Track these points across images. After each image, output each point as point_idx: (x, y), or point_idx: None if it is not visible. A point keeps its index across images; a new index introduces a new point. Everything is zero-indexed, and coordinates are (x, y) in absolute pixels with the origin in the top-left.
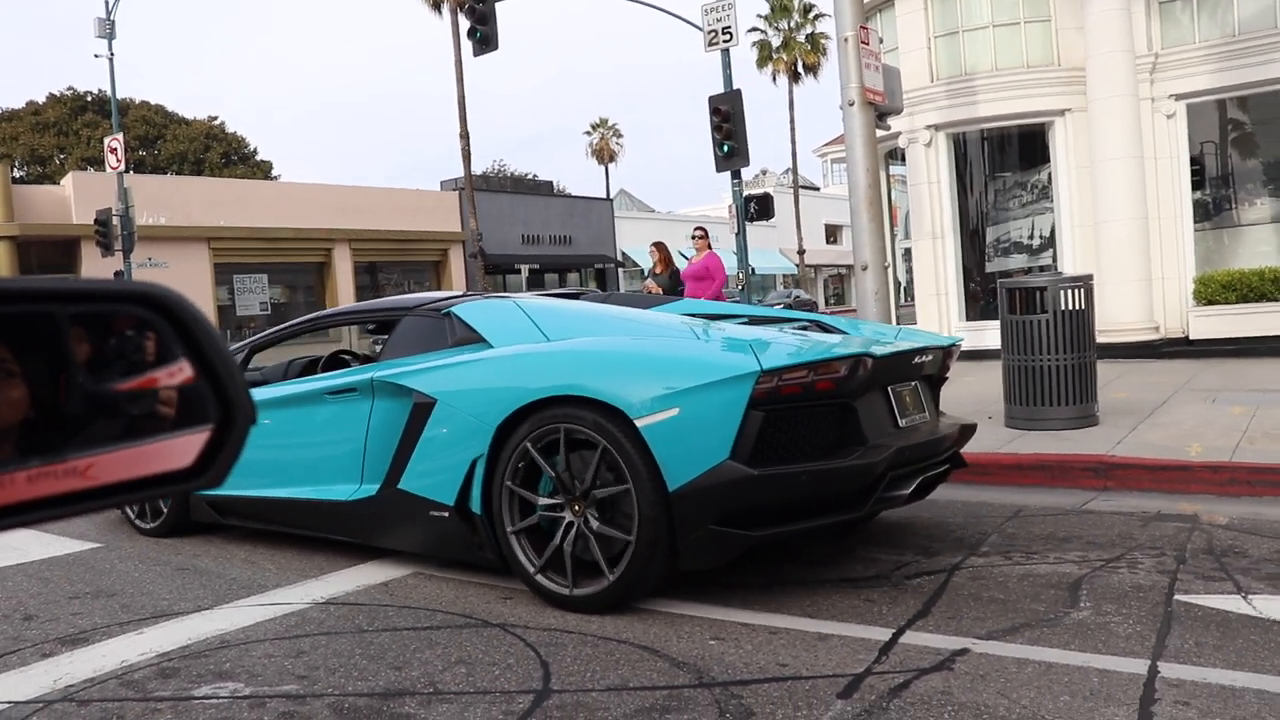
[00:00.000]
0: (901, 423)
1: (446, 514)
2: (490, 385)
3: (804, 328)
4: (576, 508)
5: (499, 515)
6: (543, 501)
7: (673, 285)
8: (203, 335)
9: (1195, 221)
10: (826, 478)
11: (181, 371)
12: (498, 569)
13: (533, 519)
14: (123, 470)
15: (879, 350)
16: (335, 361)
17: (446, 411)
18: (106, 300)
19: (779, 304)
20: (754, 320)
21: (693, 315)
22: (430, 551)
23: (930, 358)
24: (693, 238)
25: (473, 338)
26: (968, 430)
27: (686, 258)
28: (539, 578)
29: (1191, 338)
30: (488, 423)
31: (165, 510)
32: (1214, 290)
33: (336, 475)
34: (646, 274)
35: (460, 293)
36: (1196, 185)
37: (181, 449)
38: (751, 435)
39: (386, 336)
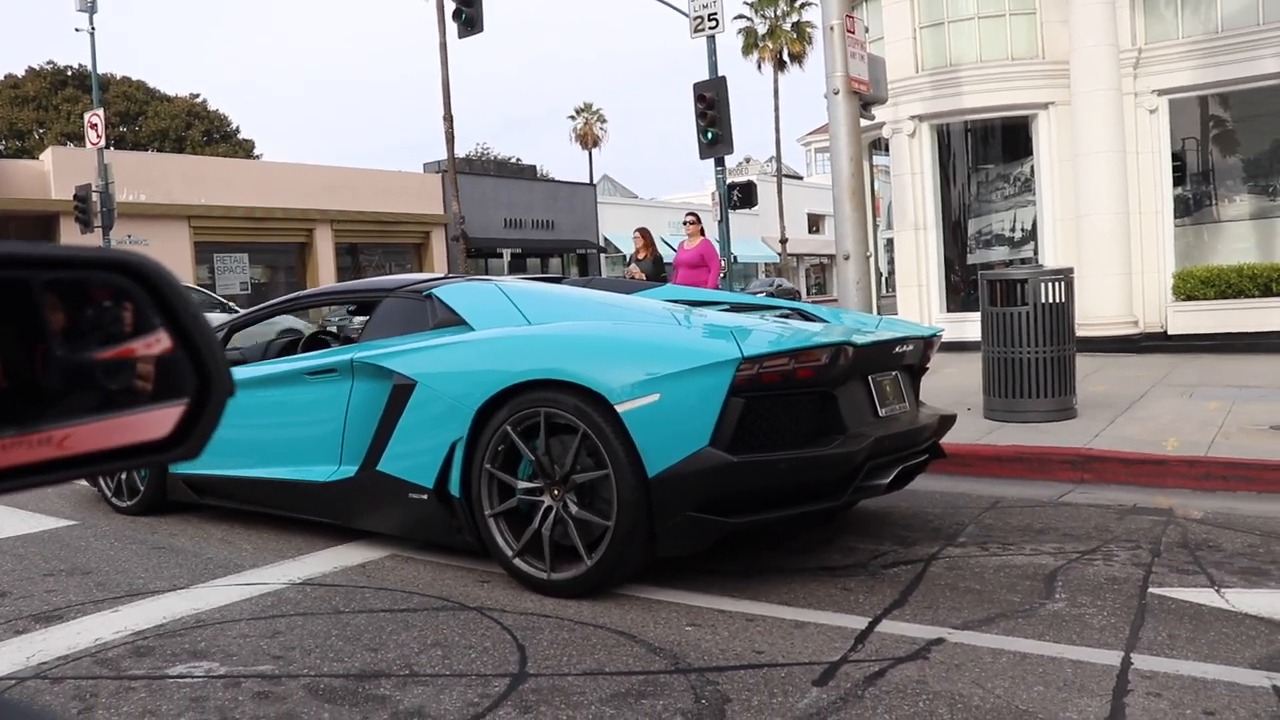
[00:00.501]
0: (881, 412)
1: (425, 496)
2: (471, 368)
3: (786, 316)
4: (556, 492)
5: (478, 498)
6: (522, 485)
7: (656, 271)
8: (180, 305)
9: (1176, 217)
10: (805, 466)
11: (159, 342)
12: (476, 552)
13: (511, 502)
14: (99, 440)
15: (860, 339)
16: (315, 342)
17: (426, 394)
18: (83, 267)
19: (761, 293)
20: (737, 308)
21: (675, 301)
22: (409, 534)
23: (911, 348)
24: (685, 223)
25: (454, 320)
26: (947, 421)
27: (670, 245)
28: (517, 561)
29: (1170, 333)
30: (468, 405)
31: (141, 488)
32: (1193, 286)
33: (315, 456)
34: (629, 259)
35: (442, 275)
36: (1178, 181)
37: (158, 420)
38: (731, 422)
39: (367, 318)
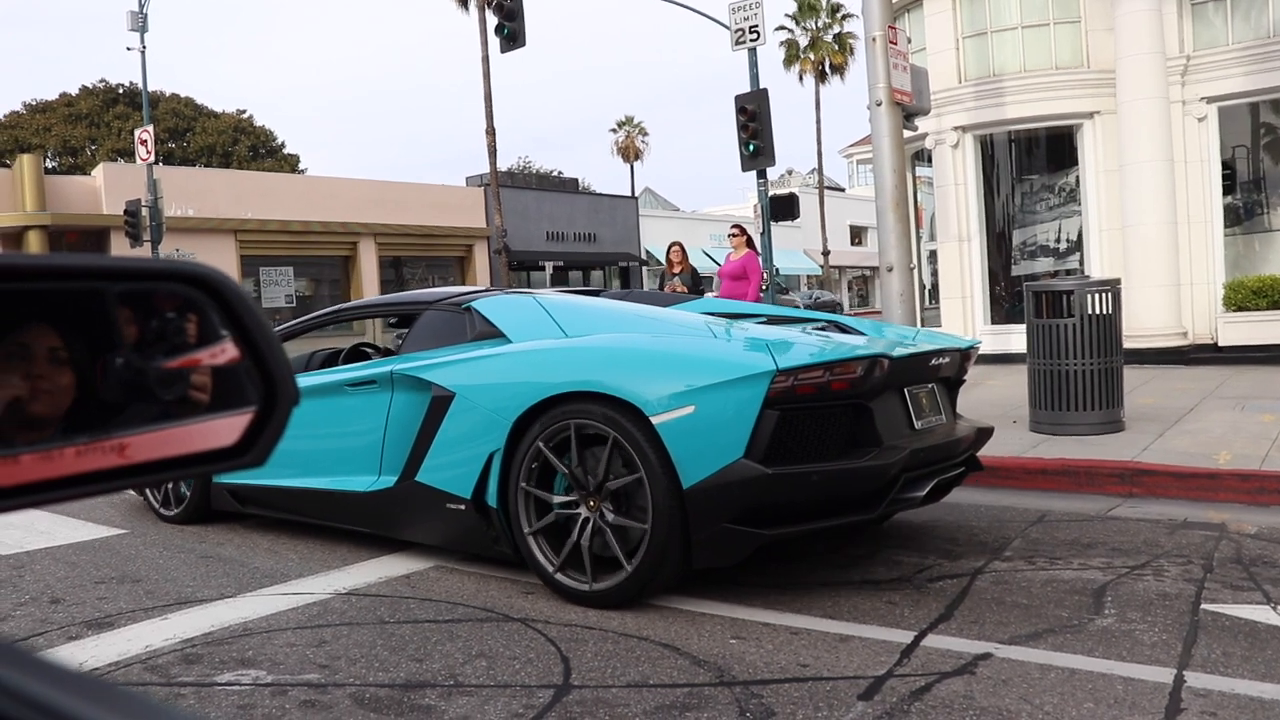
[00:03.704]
0: (917, 424)
1: (463, 507)
2: (508, 380)
3: (822, 328)
4: (592, 503)
5: (515, 514)
6: (558, 499)
7: (694, 284)
8: (248, 315)
9: (1225, 226)
10: (840, 478)
11: (225, 351)
12: (513, 563)
13: (550, 518)
14: (168, 447)
15: (895, 351)
16: (356, 354)
17: (464, 405)
18: (154, 279)
19: (801, 305)
20: (773, 320)
21: (712, 314)
22: (447, 544)
23: (947, 360)
24: (730, 236)
25: (492, 332)
26: (984, 433)
27: (712, 258)
28: (559, 576)
29: (1220, 344)
30: (505, 417)
31: (186, 497)
32: (1244, 296)
33: (355, 466)
34: (664, 274)
35: (481, 288)
36: (1227, 189)
37: (226, 428)
38: (766, 434)
39: (407, 330)
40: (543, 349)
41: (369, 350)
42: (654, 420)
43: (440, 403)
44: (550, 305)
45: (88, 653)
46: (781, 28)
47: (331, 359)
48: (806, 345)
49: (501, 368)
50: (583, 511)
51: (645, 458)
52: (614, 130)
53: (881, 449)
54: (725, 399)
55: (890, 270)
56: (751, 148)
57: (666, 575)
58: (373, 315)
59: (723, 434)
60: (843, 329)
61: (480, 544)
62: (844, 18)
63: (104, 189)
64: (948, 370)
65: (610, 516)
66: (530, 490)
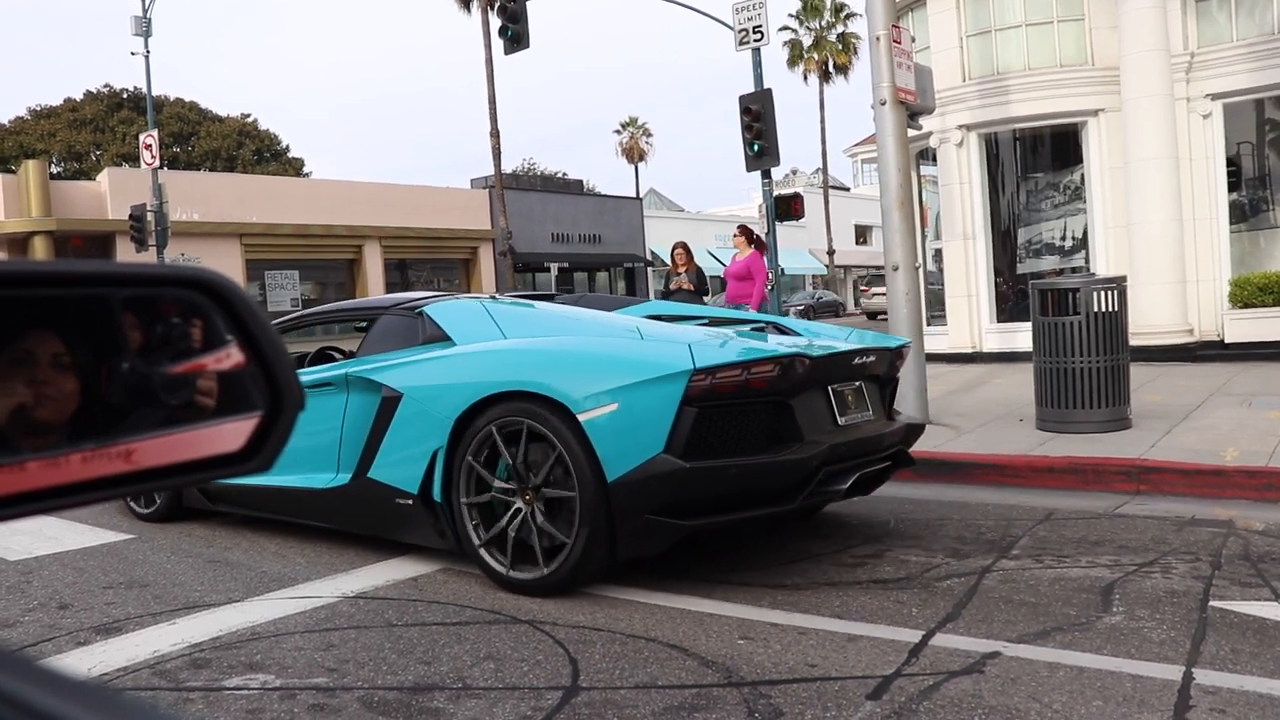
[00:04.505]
0: (841, 420)
1: (411, 502)
2: (449, 381)
3: (761, 329)
4: (528, 496)
5: (458, 508)
6: (497, 489)
7: (699, 284)
8: (253, 320)
9: (1231, 223)
10: (758, 472)
11: (230, 356)
12: (457, 555)
13: (497, 523)
14: (175, 453)
15: (815, 351)
16: (322, 357)
17: (411, 405)
18: (159, 284)
19: (801, 305)
20: (714, 321)
21: (653, 317)
22: (397, 537)
23: (873, 359)
24: (733, 237)
25: (440, 336)
26: (915, 430)
27: (717, 258)
28: (512, 573)
29: (1227, 341)
30: (447, 416)
31: (159, 498)
32: (1250, 293)
33: (316, 465)
34: (669, 275)
35: (434, 293)
36: (1232, 186)
37: (232, 433)
38: (685, 430)
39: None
40: (481, 351)
41: (334, 353)
42: (580, 417)
43: (389, 403)
44: (494, 310)
45: (96, 658)
46: (785, 28)
47: (298, 362)
48: (727, 345)
49: (444, 369)
50: (519, 504)
51: (573, 453)
52: (618, 131)
53: (802, 444)
54: (646, 397)
55: (896, 269)
56: (756, 148)
57: (595, 564)
58: (335, 320)
59: (644, 430)
60: (781, 330)
61: (428, 537)
62: (847, 17)
63: (109, 194)
64: (875, 369)
65: (542, 509)
66: (474, 476)
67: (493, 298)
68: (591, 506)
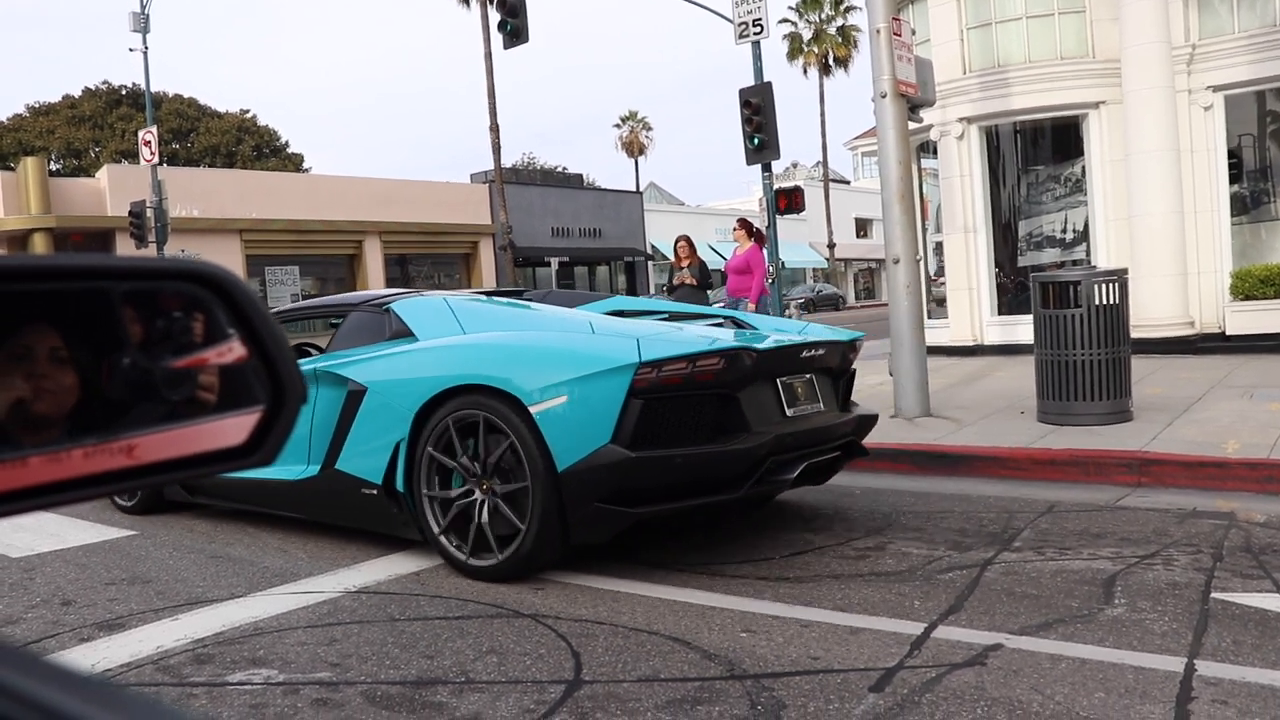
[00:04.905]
0: (790, 412)
1: (375, 492)
2: (410, 375)
3: (719, 324)
4: (485, 485)
5: (420, 498)
6: (455, 487)
7: (702, 277)
8: (255, 313)
9: (1232, 215)
10: (703, 461)
11: (232, 350)
12: (418, 543)
13: (452, 507)
14: (177, 448)
15: (761, 345)
16: (298, 353)
17: (375, 399)
18: (160, 278)
19: (801, 298)
20: (673, 316)
21: (615, 312)
22: (364, 526)
23: (823, 352)
24: (733, 230)
25: (405, 331)
26: (866, 421)
27: (718, 252)
28: (470, 561)
29: (1228, 333)
30: (408, 408)
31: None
32: (1251, 285)
33: (288, 457)
34: (673, 269)
35: (401, 290)
36: (1234, 178)
37: (234, 428)
38: (631, 421)
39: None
40: (441, 346)
41: (310, 349)
42: (532, 409)
43: (355, 397)
44: (456, 306)
45: (99, 654)
46: (785, 20)
47: None
48: (674, 339)
49: (406, 364)
50: (477, 493)
51: (525, 443)
52: (618, 125)
53: (749, 434)
54: (593, 389)
55: (897, 262)
56: (756, 141)
57: (548, 550)
58: (309, 316)
59: (591, 421)
60: (739, 324)
61: (392, 526)
62: (847, 10)
63: (108, 191)
64: (827, 362)
65: (498, 498)
66: (435, 466)
67: (485, 293)
68: (543, 495)
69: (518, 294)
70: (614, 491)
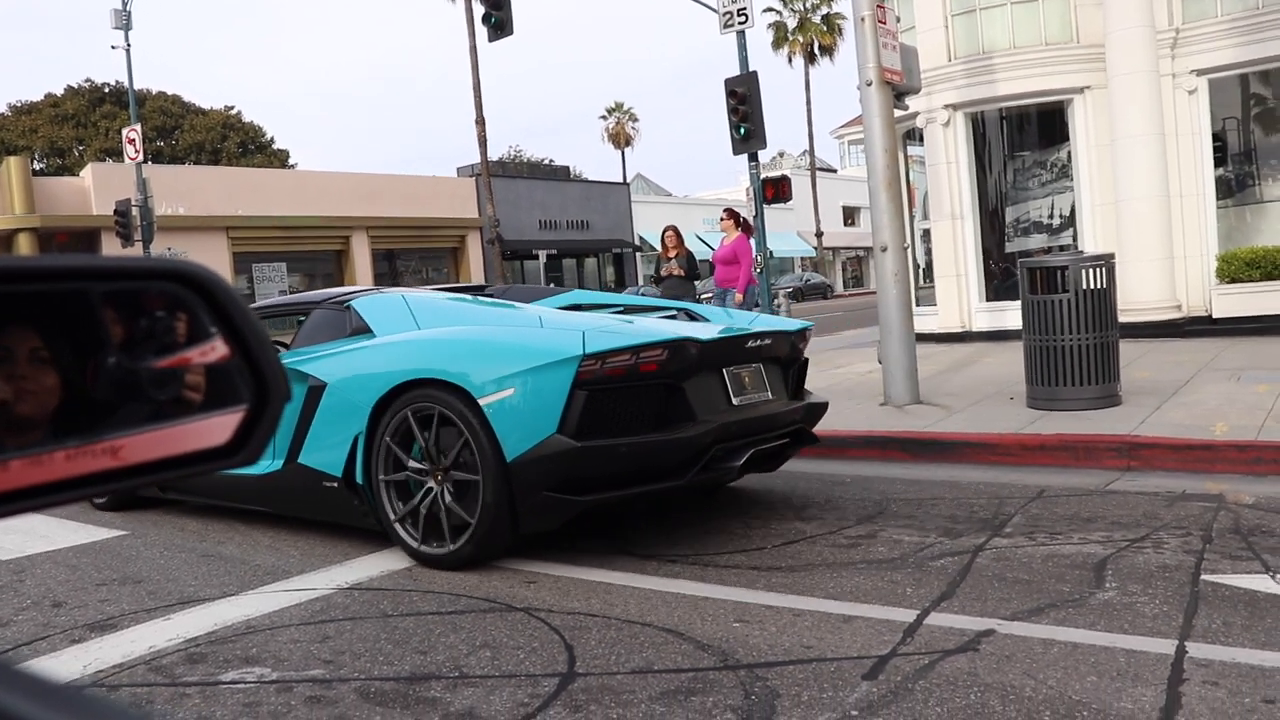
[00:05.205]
0: (736, 401)
1: (335, 484)
2: (367, 370)
3: (672, 316)
4: (439, 476)
5: (378, 490)
6: (412, 467)
7: (690, 267)
8: (237, 313)
9: (1218, 198)
10: (647, 449)
11: (215, 350)
12: (378, 534)
13: (412, 500)
14: (160, 448)
15: (703, 336)
16: None
17: (334, 394)
18: (140, 278)
19: (790, 287)
20: (628, 310)
21: (574, 306)
22: (326, 518)
23: (769, 342)
24: (720, 220)
25: (364, 328)
26: (816, 409)
27: (706, 243)
28: (422, 548)
29: (1215, 316)
30: (365, 403)
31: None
32: (1237, 268)
33: None
34: (659, 260)
35: (363, 287)
36: (1219, 162)
37: (218, 427)
38: (577, 411)
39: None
40: (396, 342)
41: (280, 346)
42: (481, 402)
43: (315, 392)
44: (412, 302)
45: (91, 655)
46: (769, 9)
47: None
48: (619, 332)
49: (363, 360)
50: (431, 484)
51: (475, 435)
52: (604, 117)
53: (695, 423)
54: (539, 381)
55: (884, 250)
56: (742, 131)
57: (500, 539)
58: (274, 315)
59: (538, 412)
60: (692, 316)
61: (352, 517)
62: None
63: (93, 189)
64: (775, 352)
65: (451, 488)
66: (391, 458)
67: (446, 289)
68: (493, 484)
69: (479, 289)
70: (561, 480)
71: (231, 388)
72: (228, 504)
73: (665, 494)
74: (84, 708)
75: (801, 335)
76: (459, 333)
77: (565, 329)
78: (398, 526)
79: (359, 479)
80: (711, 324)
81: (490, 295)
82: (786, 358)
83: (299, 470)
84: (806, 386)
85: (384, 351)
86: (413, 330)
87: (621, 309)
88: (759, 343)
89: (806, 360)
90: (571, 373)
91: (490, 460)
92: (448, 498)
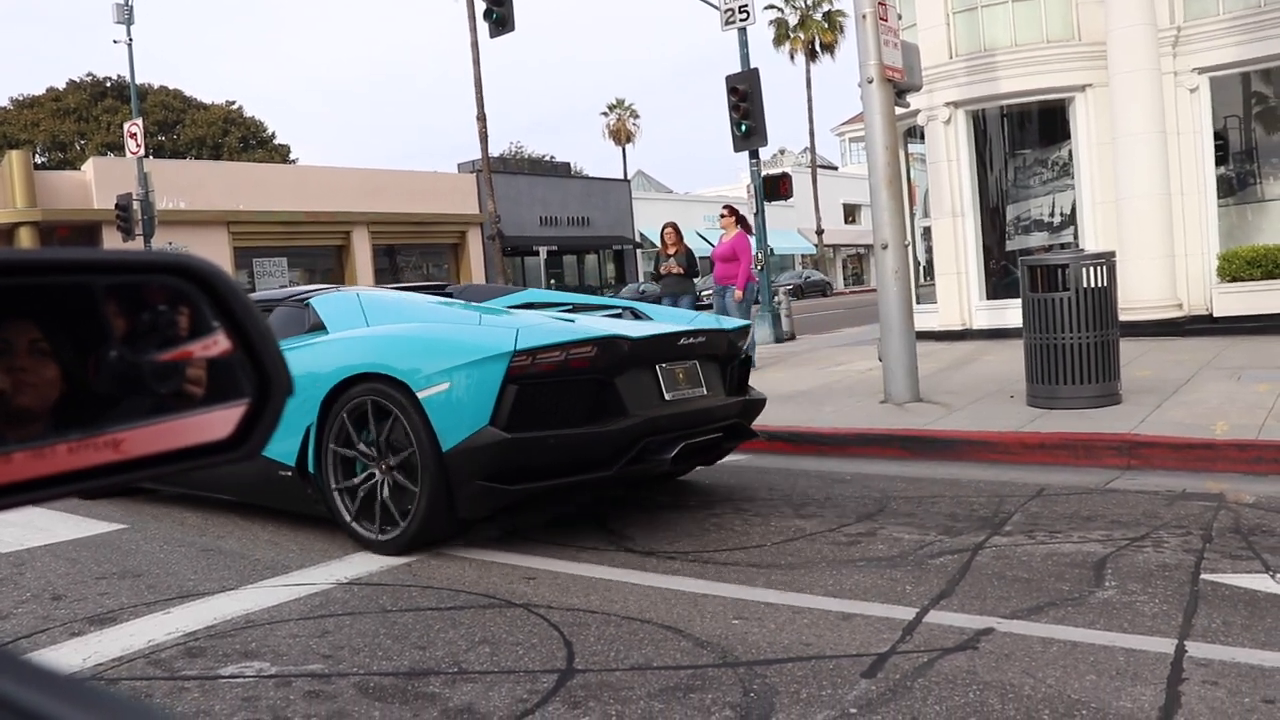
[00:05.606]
0: (668, 396)
1: (290, 473)
2: (318, 365)
3: (618, 314)
4: (383, 465)
5: (326, 477)
6: (357, 467)
7: (689, 264)
8: (239, 306)
9: (1219, 197)
10: (574, 442)
11: (217, 344)
12: (326, 519)
13: (352, 481)
14: (163, 442)
15: (636, 333)
16: None
17: None
18: (143, 271)
19: (790, 284)
20: (576, 308)
21: (526, 305)
22: (282, 506)
23: (703, 340)
24: (720, 217)
25: (319, 324)
26: (753, 405)
27: (707, 240)
28: (355, 526)
29: (1215, 315)
30: (316, 396)
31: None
32: (1238, 266)
33: None
34: (658, 256)
35: (322, 285)
36: (1220, 160)
37: (220, 421)
38: (508, 405)
39: None
40: (346, 338)
41: None
42: (419, 395)
43: None
44: (365, 300)
45: (91, 648)
46: (771, 6)
47: None
48: (552, 330)
49: (315, 355)
50: (376, 472)
51: (414, 426)
52: (605, 114)
53: (625, 417)
54: (473, 376)
55: (885, 248)
56: (743, 128)
57: (438, 525)
58: None
59: (472, 405)
60: (637, 315)
61: (306, 504)
62: None
63: (94, 184)
64: (710, 349)
65: (395, 476)
66: (338, 452)
67: (405, 288)
68: (431, 473)
69: (440, 289)
70: (494, 470)
71: (234, 382)
72: (192, 492)
73: (596, 485)
74: (90, 699)
75: (740, 333)
76: (402, 329)
77: (500, 326)
78: (344, 513)
79: (311, 468)
80: (652, 323)
81: (449, 295)
82: (724, 355)
83: (258, 460)
84: (808, 385)
85: (334, 347)
86: (362, 327)
87: (570, 307)
88: (693, 340)
89: (749, 358)
90: (503, 368)
91: (428, 450)
92: (390, 486)
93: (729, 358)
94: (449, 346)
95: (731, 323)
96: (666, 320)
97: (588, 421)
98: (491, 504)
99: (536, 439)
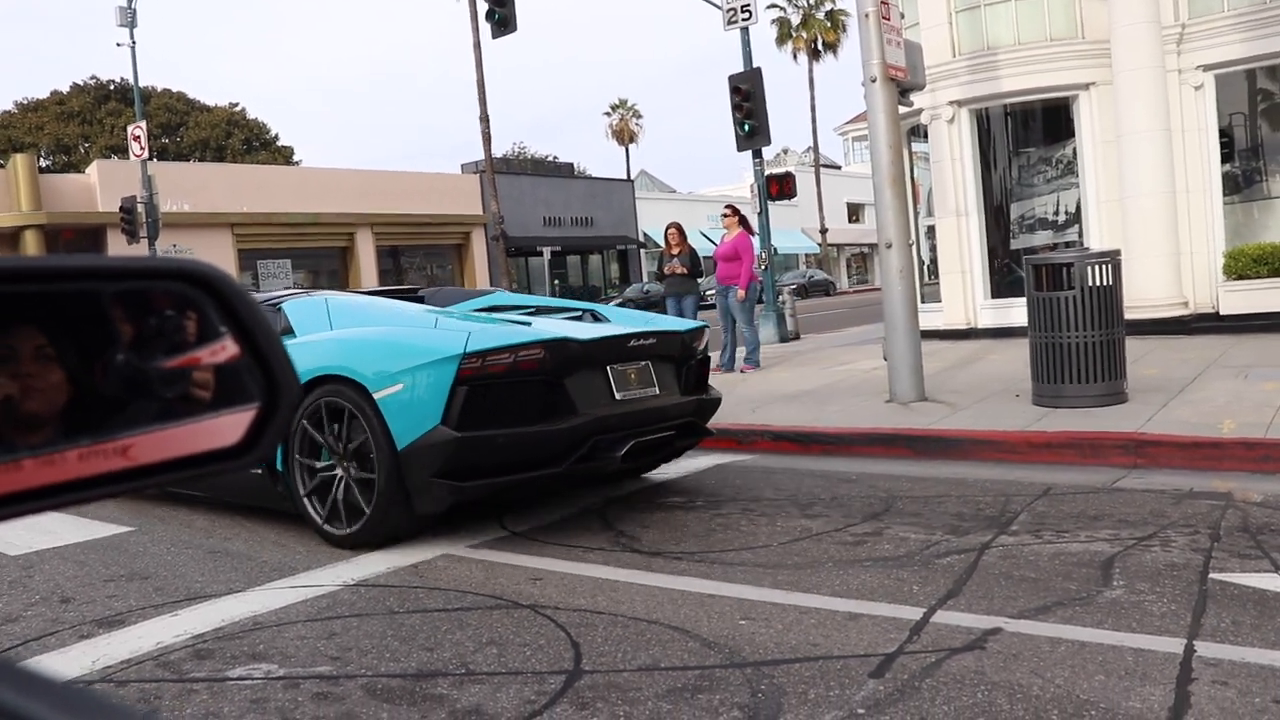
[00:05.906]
0: (619, 396)
1: (260, 472)
2: None
3: (578, 317)
4: (344, 463)
5: (294, 479)
6: (321, 465)
7: (693, 264)
8: (246, 311)
9: (1224, 194)
10: (523, 440)
11: (225, 349)
12: (294, 516)
13: (316, 482)
14: (173, 448)
15: (584, 335)
16: None
17: None
18: (150, 277)
19: (793, 284)
20: (539, 310)
21: (488, 309)
22: (253, 502)
23: (653, 341)
24: (723, 217)
25: (289, 328)
26: (708, 404)
27: (711, 240)
28: (325, 526)
29: (1222, 313)
30: None
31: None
32: (1245, 264)
33: None
34: (662, 256)
35: (294, 290)
36: (1225, 157)
37: (229, 426)
38: (458, 405)
39: None
40: (311, 341)
41: None
42: (376, 396)
43: None
44: (331, 305)
45: (100, 651)
46: (773, 5)
47: None
48: (504, 333)
49: None
50: (338, 470)
51: (372, 426)
52: (608, 114)
53: (575, 416)
54: (426, 377)
55: (889, 247)
56: (746, 127)
57: (395, 520)
58: None
59: (424, 405)
60: (596, 317)
61: (275, 501)
62: None
63: (99, 186)
64: (663, 350)
65: (354, 474)
66: (305, 448)
67: (377, 292)
68: (387, 471)
69: (412, 293)
70: (446, 468)
71: (242, 387)
72: (177, 490)
73: (548, 481)
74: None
75: (696, 335)
76: (362, 333)
77: (453, 330)
78: (309, 508)
79: (279, 466)
80: (607, 325)
81: (420, 298)
82: (679, 356)
83: None
84: (813, 385)
85: (299, 350)
86: (326, 330)
87: (533, 310)
88: (643, 342)
89: (706, 358)
90: (453, 370)
91: (384, 449)
92: (351, 482)
93: (684, 358)
94: (403, 349)
95: (686, 324)
96: (624, 323)
97: (538, 420)
98: (444, 500)
99: (486, 437)
